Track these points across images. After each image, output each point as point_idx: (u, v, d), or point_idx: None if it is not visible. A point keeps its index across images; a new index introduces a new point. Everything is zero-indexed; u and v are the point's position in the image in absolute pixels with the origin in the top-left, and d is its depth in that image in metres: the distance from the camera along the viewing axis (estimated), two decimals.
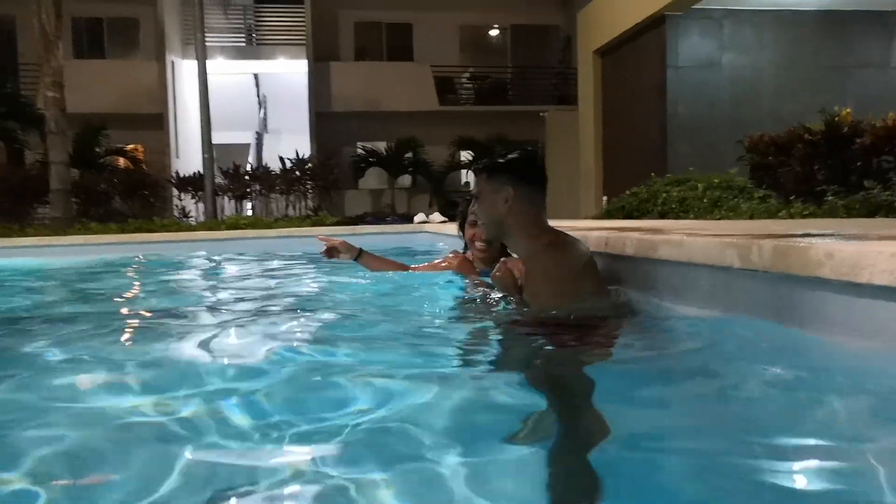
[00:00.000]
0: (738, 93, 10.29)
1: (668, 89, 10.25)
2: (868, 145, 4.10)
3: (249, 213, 14.78)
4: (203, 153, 11.88)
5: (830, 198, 3.94)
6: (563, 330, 1.88)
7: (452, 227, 6.56)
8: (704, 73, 10.32)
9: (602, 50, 12.61)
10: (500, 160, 2.15)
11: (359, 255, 3.04)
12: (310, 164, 13.24)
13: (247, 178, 12.91)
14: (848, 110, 4.28)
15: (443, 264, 3.00)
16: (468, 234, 2.89)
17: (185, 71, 17.34)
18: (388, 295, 2.76)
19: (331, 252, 3.02)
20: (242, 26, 17.61)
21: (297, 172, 12.72)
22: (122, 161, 15.40)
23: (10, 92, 13.24)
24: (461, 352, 1.84)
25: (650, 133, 10.52)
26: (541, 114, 16.18)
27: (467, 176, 18.81)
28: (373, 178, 17.69)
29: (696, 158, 9.25)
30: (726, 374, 1.49)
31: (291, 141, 16.66)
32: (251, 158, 18.10)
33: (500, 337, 1.97)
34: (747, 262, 1.65)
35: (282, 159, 12.96)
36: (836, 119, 4.24)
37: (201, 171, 12.82)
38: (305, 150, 15.34)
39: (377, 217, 10.19)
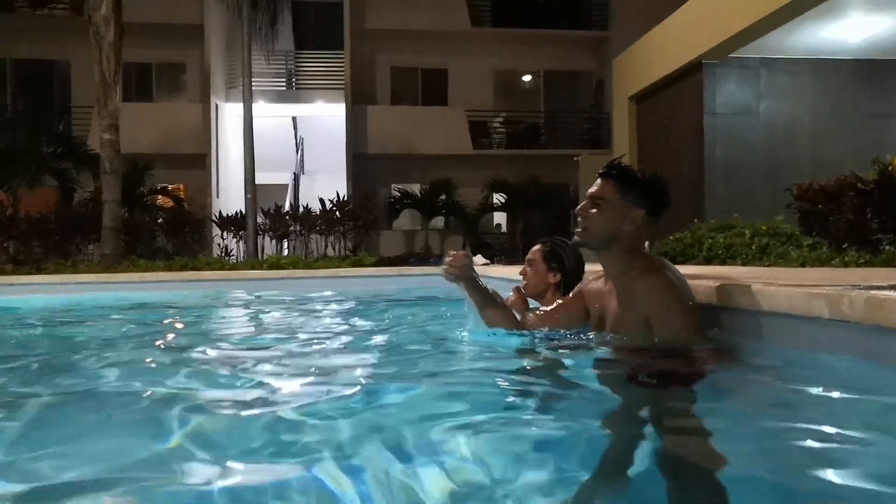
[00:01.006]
0: (775, 139, 10.35)
1: (706, 135, 10.34)
2: None
3: (286, 252, 15.04)
4: (246, 193, 12.23)
5: (888, 247, 3.96)
6: (659, 361, 1.87)
7: (496, 270, 6.66)
8: (741, 120, 10.41)
9: (637, 96, 12.78)
10: (639, 176, 2.02)
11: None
12: (350, 206, 13.52)
13: (287, 217, 13.20)
14: None
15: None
16: (521, 269, 2.99)
17: (227, 113, 17.94)
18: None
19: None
20: (284, 71, 18.21)
21: (338, 213, 12.98)
22: (161, 199, 15.85)
23: (65, 133, 13.80)
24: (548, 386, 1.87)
25: (687, 178, 10.58)
26: (574, 158, 16.34)
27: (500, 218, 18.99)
28: (406, 220, 17.95)
29: (732, 203, 9.28)
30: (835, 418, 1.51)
31: (327, 182, 17.04)
32: (288, 198, 18.50)
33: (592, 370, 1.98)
34: (837, 312, 1.70)
35: (322, 200, 13.27)
36: (890, 168, 4.29)
37: (242, 210, 13.18)
38: (341, 191, 15.67)
39: (420, 258, 10.33)
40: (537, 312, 2.52)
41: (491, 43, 18.80)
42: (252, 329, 3.84)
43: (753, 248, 5.63)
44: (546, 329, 2.49)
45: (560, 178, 17.43)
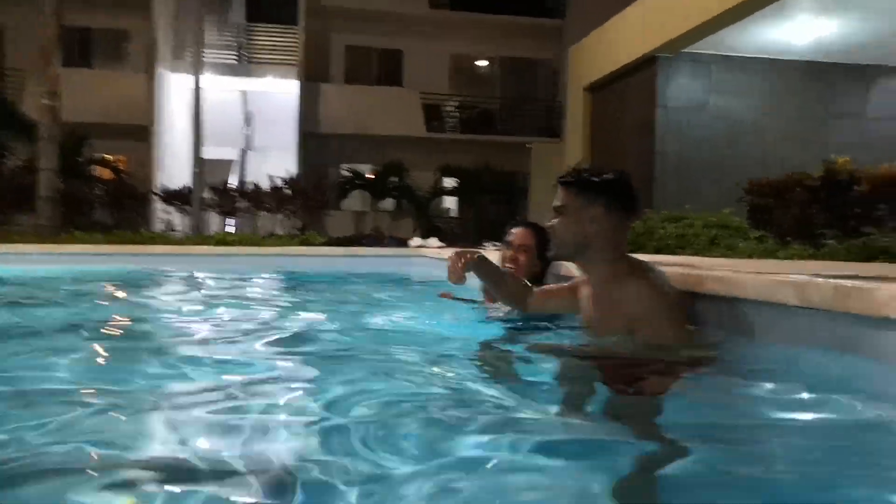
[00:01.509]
0: (724, 134, 10.64)
1: (657, 127, 10.56)
2: (867, 192, 4.34)
3: (230, 229, 14.66)
4: (194, 167, 11.84)
5: (830, 241, 4.13)
6: (635, 367, 1.87)
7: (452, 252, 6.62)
8: (692, 114, 10.66)
9: (592, 86, 12.93)
10: (595, 178, 2.01)
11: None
12: (301, 184, 13.28)
13: (235, 194, 12.87)
14: (847, 158, 4.52)
15: None
16: (502, 255, 2.86)
17: (172, 84, 17.25)
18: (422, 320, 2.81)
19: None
20: (234, 44, 17.65)
21: (289, 191, 12.73)
22: (98, 170, 15.21)
23: None
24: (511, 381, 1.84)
25: (637, 169, 10.78)
26: (527, 145, 16.46)
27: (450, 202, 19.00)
28: (356, 200, 17.76)
29: (680, 195, 9.53)
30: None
31: (276, 159, 16.64)
32: (235, 174, 18.03)
33: (565, 370, 1.93)
34: (805, 300, 1.75)
35: (271, 178, 12.99)
36: (834, 166, 4.46)
37: (186, 184, 12.76)
38: (290, 169, 15.36)
39: (373, 239, 10.24)
40: (539, 290, 2.45)
41: (448, 26, 18.69)
42: (204, 307, 3.72)
43: (703, 238, 5.78)
44: (543, 310, 2.44)
45: (513, 166, 17.54)
